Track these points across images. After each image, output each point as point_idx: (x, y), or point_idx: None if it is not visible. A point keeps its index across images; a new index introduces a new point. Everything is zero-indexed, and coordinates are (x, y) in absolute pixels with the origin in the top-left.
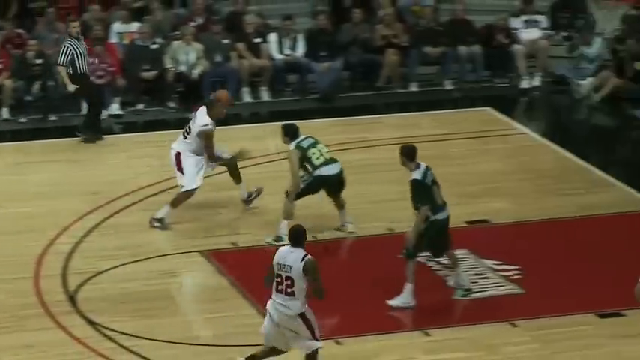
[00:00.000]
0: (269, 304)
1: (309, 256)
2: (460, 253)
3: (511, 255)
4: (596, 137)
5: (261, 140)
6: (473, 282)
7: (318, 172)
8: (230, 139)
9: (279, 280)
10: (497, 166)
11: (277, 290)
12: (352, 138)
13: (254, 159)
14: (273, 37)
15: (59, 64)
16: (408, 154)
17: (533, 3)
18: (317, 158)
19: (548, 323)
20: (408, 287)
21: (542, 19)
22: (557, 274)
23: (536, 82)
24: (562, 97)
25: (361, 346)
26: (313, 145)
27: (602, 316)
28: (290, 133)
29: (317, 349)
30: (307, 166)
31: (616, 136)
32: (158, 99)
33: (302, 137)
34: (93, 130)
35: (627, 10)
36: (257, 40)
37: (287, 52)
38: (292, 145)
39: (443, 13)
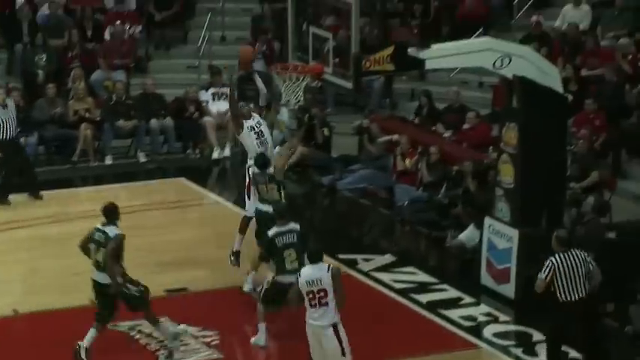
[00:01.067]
0: (306, 329)
1: (332, 265)
2: (161, 320)
3: (210, 321)
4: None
5: None
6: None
7: None
8: None
9: (310, 296)
10: (194, 235)
11: (311, 306)
12: (51, 212)
13: None
14: None
15: None
16: (109, 213)
17: (221, 76)
18: None
19: None
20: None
21: None
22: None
23: (227, 152)
24: None
25: None
26: None
27: None
28: None
29: None
30: None
31: (306, 203)
32: None
33: None
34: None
35: (309, 81)
36: None
37: None
38: None
39: (134, 88)
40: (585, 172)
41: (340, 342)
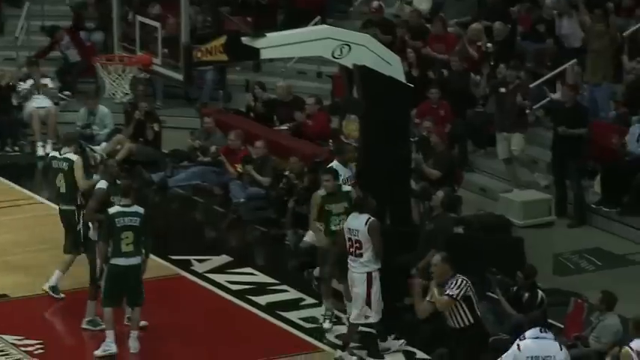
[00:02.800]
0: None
1: (372, 219)
2: None
3: (32, 329)
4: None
5: None
6: None
7: None
8: None
9: (349, 244)
10: (12, 238)
11: (349, 253)
12: None
13: None
14: None
15: None
16: None
17: (39, 67)
18: None
19: None
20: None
21: (53, 85)
22: (80, 346)
23: (49, 149)
24: None
25: None
26: None
27: None
28: None
29: (361, 321)
30: None
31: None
32: None
33: None
34: None
35: (136, 73)
36: None
37: None
38: None
39: None
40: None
41: (369, 290)
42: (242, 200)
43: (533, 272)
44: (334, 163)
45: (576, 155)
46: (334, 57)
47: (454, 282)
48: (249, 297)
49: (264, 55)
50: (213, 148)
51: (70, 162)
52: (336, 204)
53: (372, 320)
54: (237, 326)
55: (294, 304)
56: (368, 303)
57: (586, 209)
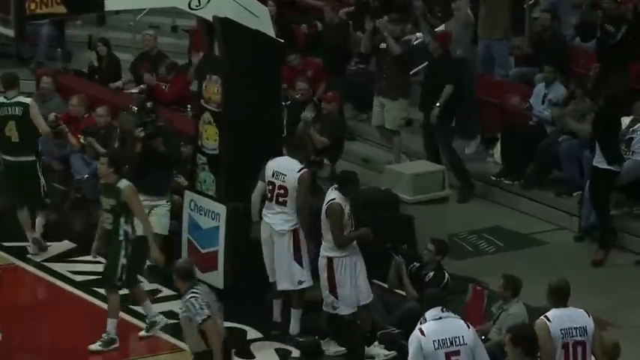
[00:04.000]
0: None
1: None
2: None
3: None
4: None
5: None
6: None
7: None
8: None
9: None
10: None
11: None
12: None
13: None
14: None
15: None
16: None
17: None
18: None
19: None
20: None
21: None
22: None
23: None
24: None
25: None
26: None
27: None
28: None
29: (330, 310)
30: None
31: None
32: None
33: None
34: None
35: None
36: None
37: None
38: None
39: None
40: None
41: (330, 275)
42: (86, 177)
43: (446, 247)
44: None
45: (446, 115)
46: (191, 8)
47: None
48: (95, 289)
49: (109, 6)
50: (52, 116)
51: (25, 105)
52: (106, 198)
53: (341, 312)
54: (84, 322)
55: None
56: (333, 292)
57: (468, 179)
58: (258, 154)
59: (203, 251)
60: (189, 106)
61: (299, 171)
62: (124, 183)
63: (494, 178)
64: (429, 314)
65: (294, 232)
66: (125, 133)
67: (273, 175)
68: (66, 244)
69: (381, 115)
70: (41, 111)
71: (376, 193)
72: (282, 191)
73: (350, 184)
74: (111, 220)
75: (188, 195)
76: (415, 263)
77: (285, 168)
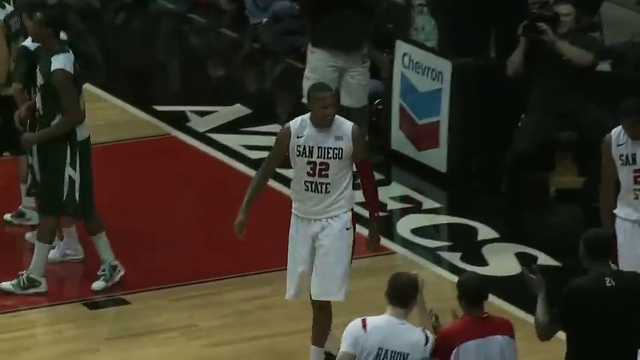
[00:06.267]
0: None
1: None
2: None
3: None
4: None
5: None
6: None
7: None
8: None
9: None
10: None
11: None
12: None
13: None
14: None
15: None
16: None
17: None
18: None
19: None
20: None
21: None
22: None
23: None
24: None
25: None
26: None
27: None
28: None
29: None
30: None
31: None
32: None
33: None
34: None
35: None
36: None
37: None
38: None
39: None
40: None
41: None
42: (265, 20)
43: None
44: None
45: None
46: None
47: None
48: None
49: None
50: None
51: None
52: None
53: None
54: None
55: None
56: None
57: None
58: None
59: (420, 122)
60: None
61: None
62: None
63: None
64: None
65: None
66: None
67: None
68: (238, 109)
69: None
70: None
71: None
72: None
73: None
74: None
75: (400, 46)
76: None
77: None
